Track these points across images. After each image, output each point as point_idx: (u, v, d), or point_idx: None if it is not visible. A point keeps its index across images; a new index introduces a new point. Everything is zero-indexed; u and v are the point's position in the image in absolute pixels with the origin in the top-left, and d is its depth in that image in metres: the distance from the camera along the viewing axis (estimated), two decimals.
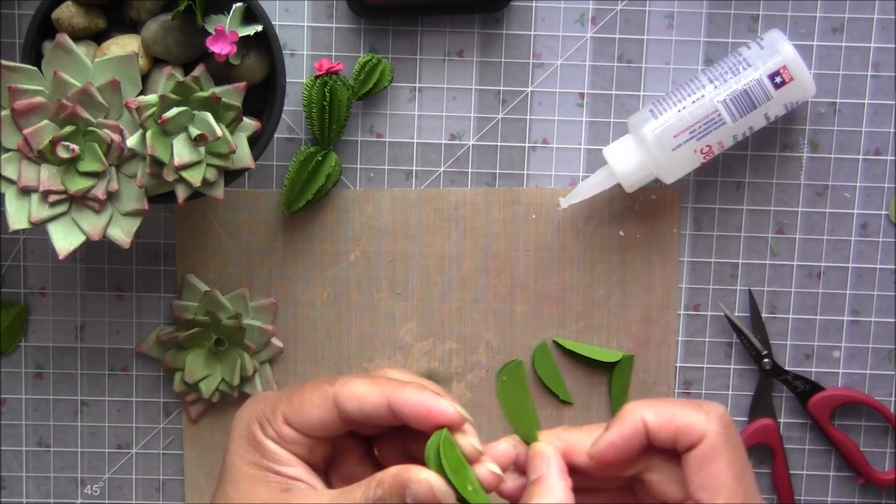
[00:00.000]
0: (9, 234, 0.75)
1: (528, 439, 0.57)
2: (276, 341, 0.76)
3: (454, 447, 0.52)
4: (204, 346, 0.75)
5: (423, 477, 0.50)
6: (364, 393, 0.52)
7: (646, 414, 0.54)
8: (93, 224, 0.65)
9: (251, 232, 0.76)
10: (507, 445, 0.55)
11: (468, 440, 0.53)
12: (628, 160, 0.72)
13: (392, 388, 0.53)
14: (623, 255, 0.77)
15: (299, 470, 0.54)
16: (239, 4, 0.65)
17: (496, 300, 0.77)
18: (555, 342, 0.78)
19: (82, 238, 0.65)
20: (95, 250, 0.76)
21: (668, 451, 0.55)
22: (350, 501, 0.52)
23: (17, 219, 0.64)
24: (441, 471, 0.51)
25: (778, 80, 0.70)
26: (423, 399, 0.52)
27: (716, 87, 0.71)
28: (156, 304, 0.77)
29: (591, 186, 0.73)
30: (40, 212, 0.64)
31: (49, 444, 0.78)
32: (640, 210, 0.77)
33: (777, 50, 0.71)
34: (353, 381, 0.53)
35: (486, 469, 0.53)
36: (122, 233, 0.65)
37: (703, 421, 0.54)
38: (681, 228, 0.77)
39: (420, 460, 0.53)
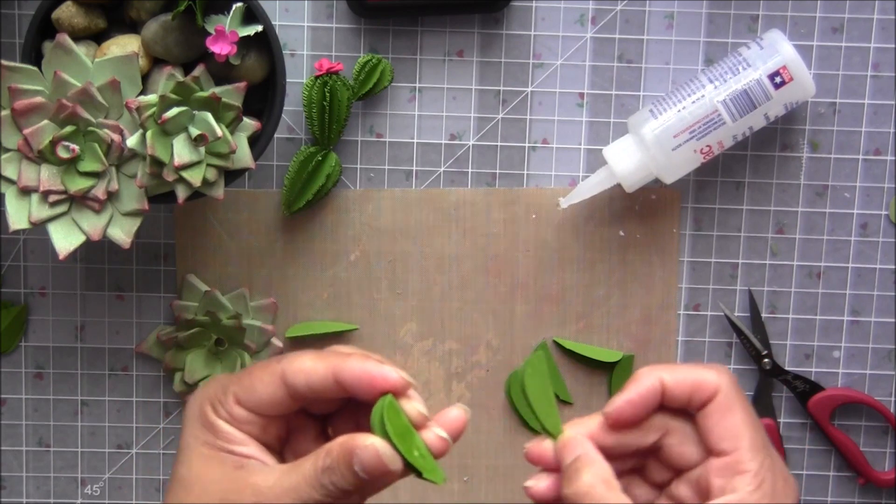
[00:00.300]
0: (9, 234, 0.76)
1: (553, 432, 0.56)
2: (276, 341, 0.76)
3: (399, 413, 0.52)
4: (204, 346, 0.75)
5: (370, 443, 0.51)
6: (310, 367, 0.53)
7: (661, 373, 0.55)
8: (93, 224, 0.65)
9: (251, 232, 0.76)
10: (458, 411, 0.55)
11: (413, 405, 0.53)
12: (628, 160, 0.72)
13: (337, 359, 0.53)
14: (623, 255, 0.77)
15: (252, 448, 0.54)
16: (239, 4, 0.65)
17: (496, 300, 0.77)
18: (555, 342, 0.78)
19: (82, 238, 0.65)
20: (95, 250, 0.76)
21: (681, 413, 0.56)
22: (299, 472, 0.52)
23: (17, 219, 0.64)
24: (387, 437, 0.51)
25: (778, 80, 0.70)
26: (366, 367, 0.53)
27: (716, 87, 0.71)
28: (156, 304, 0.77)
29: (591, 186, 0.73)
30: (40, 212, 0.64)
31: (49, 444, 0.78)
32: (640, 210, 0.77)
33: (777, 50, 0.71)
34: (300, 356, 0.54)
35: (434, 434, 0.53)
36: (122, 233, 0.65)
37: (715, 377, 0.55)
38: (681, 228, 0.77)
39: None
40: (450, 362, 0.78)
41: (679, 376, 0.55)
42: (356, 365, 0.53)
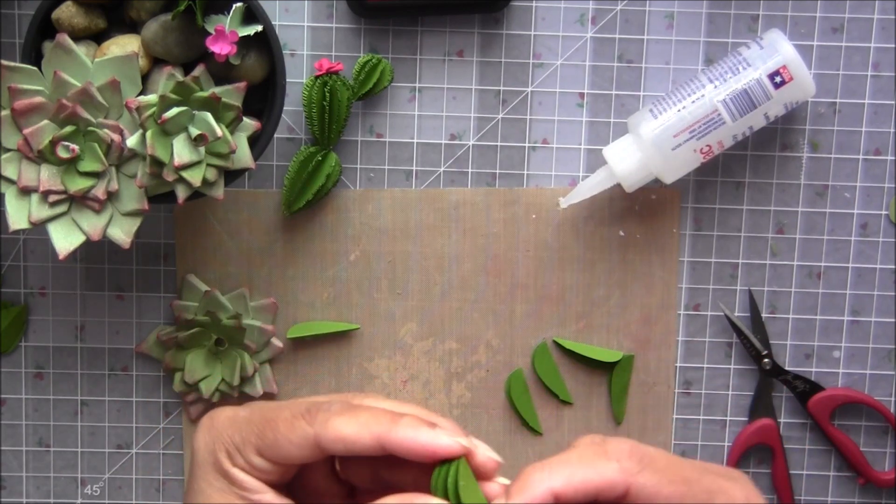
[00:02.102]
0: (9, 234, 0.75)
1: None
2: (276, 341, 0.76)
3: (472, 480, 0.48)
4: (204, 346, 0.75)
5: None
6: (352, 435, 0.48)
7: (552, 483, 0.47)
8: (93, 224, 0.65)
9: (251, 232, 0.76)
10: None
11: (487, 456, 0.49)
12: (628, 160, 0.72)
13: (383, 427, 0.48)
14: (623, 255, 0.77)
15: (270, 496, 0.51)
16: (239, 4, 0.65)
17: (496, 300, 0.77)
18: (555, 342, 0.78)
19: (82, 238, 0.65)
20: (95, 250, 0.76)
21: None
22: None
23: (17, 219, 0.64)
24: (462, 500, 0.48)
25: (778, 79, 0.70)
26: (421, 438, 0.48)
27: (716, 87, 0.71)
28: (156, 304, 0.77)
29: (591, 186, 0.73)
30: (40, 212, 0.64)
31: (49, 444, 0.78)
32: (640, 210, 0.77)
33: (777, 50, 0.71)
34: (336, 420, 0.49)
35: (498, 485, 0.49)
36: (122, 233, 0.65)
37: (617, 474, 0.47)
38: (681, 228, 0.77)
39: (390, 484, 0.51)
40: (450, 362, 0.78)
41: (575, 481, 0.47)
42: (410, 436, 0.48)
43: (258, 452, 0.50)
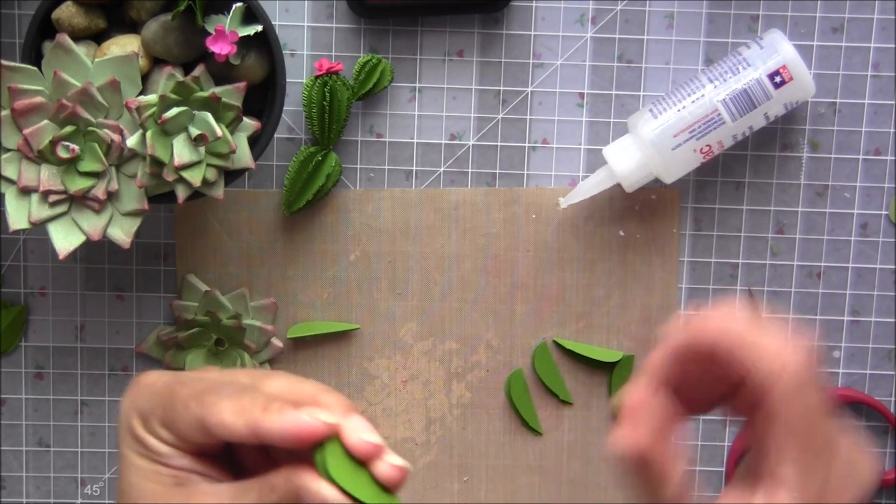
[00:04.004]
0: (9, 234, 0.76)
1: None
2: (276, 341, 0.76)
3: (342, 458, 0.47)
4: (204, 346, 0.75)
5: (315, 489, 0.47)
6: (230, 423, 0.48)
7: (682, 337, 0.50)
8: (93, 224, 0.65)
9: (251, 232, 0.76)
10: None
11: (359, 437, 0.48)
12: (628, 160, 0.72)
13: (256, 414, 0.47)
14: (623, 255, 0.77)
15: (190, 461, 0.50)
16: (239, 4, 0.65)
17: (496, 300, 0.77)
18: (555, 342, 0.78)
19: (82, 238, 0.65)
20: (95, 250, 0.76)
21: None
22: (244, 502, 0.49)
23: (17, 219, 0.64)
24: (334, 479, 0.47)
25: (778, 79, 0.70)
26: (286, 423, 0.47)
27: (715, 87, 0.71)
28: (156, 304, 0.77)
29: (591, 186, 0.73)
30: (40, 212, 0.64)
31: (49, 444, 0.78)
32: (640, 210, 0.77)
33: (777, 49, 0.71)
34: (219, 406, 0.48)
35: (388, 465, 0.48)
36: (122, 233, 0.65)
37: (770, 371, 0.48)
38: (681, 228, 0.77)
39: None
40: (450, 362, 0.78)
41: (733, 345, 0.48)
42: (276, 423, 0.47)
43: (162, 425, 0.50)
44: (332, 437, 0.47)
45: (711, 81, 0.71)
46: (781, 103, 0.71)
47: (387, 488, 0.48)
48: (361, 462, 0.48)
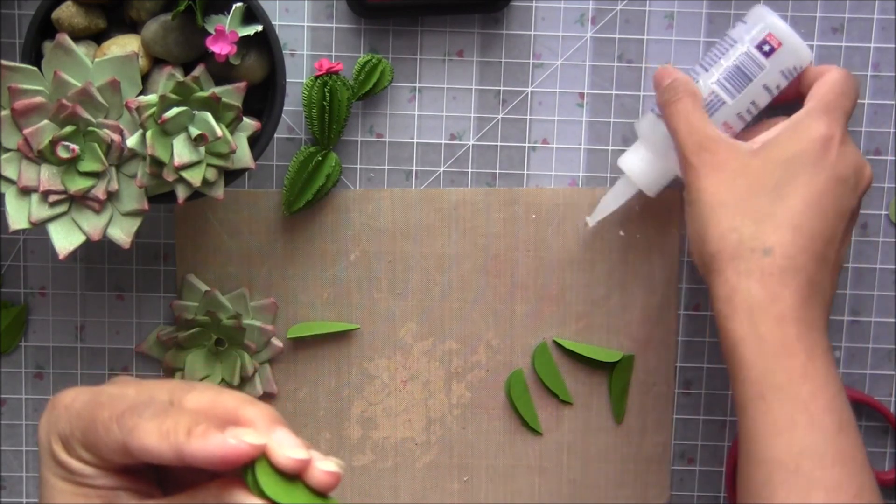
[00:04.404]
0: (9, 234, 0.76)
1: None
2: (276, 341, 0.76)
3: (271, 475, 0.47)
4: (204, 346, 0.75)
5: None
6: (154, 447, 0.47)
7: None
8: (93, 224, 0.65)
9: (251, 232, 0.76)
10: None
11: (285, 455, 0.47)
12: (645, 166, 0.72)
13: (180, 438, 0.46)
14: (623, 255, 0.77)
15: (115, 479, 0.49)
16: (239, 4, 0.65)
17: (496, 300, 0.77)
18: (555, 342, 0.78)
19: (82, 238, 0.65)
20: (95, 250, 0.76)
21: None
22: None
23: (17, 219, 0.64)
24: (265, 493, 0.46)
25: (766, 48, 0.70)
26: (210, 447, 0.46)
27: (708, 72, 0.71)
28: (156, 304, 0.77)
29: (614, 199, 0.73)
30: (40, 212, 0.64)
31: None
32: (640, 210, 0.77)
33: (761, 20, 0.70)
34: (141, 429, 0.47)
35: (319, 472, 0.47)
36: (122, 233, 0.65)
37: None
38: (681, 228, 0.77)
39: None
40: (450, 362, 0.78)
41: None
42: (200, 447, 0.46)
43: (84, 448, 0.49)
44: (256, 466, 0.47)
45: (706, 69, 0.71)
46: (777, 71, 0.70)
47: (321, 492, 0.47)
48: (292, 475, 0.47)
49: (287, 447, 0.47)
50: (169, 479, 0.52)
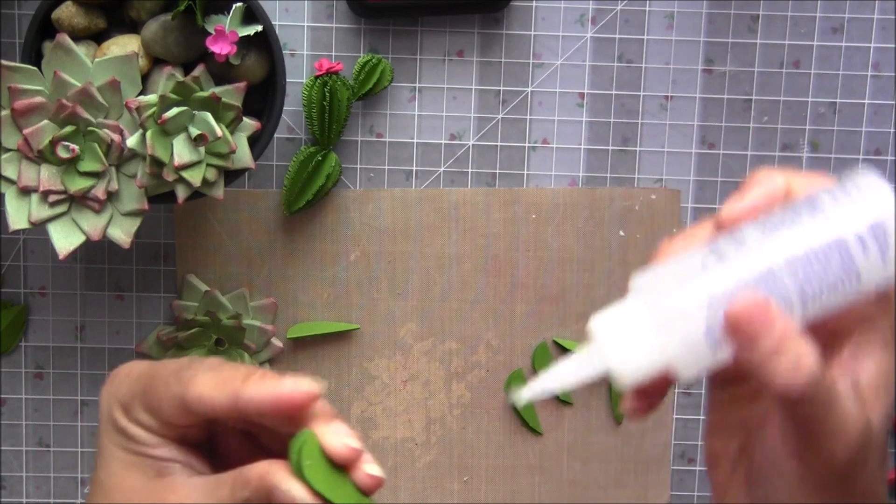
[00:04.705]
0: (9, 234, 0.76)
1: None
2: (276, 341, 0.76)
3: (319, 456, 0.46)
4: (204, 346, 0.75)
5: (286, 488, 0.46)
6: (209, 395, 0.47)
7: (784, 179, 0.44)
8: (93, 224, 0.65)
9: (251, 232, 0.76)
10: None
11: (337, 439, 0.46)
12: (634, 341, 0.43)
13: (237, 384, 0.47)
14: (623, 255, 0.77)
15: (172, 450, 0.49)
16: (239, 4, 0.65)
17: (496, 300, 0.77)
18: (555, 342, 0.78)
19: (82, 238, 0.65)
20: (95, 250, 0.76)
21: None
22: (217, 497, 0.48)
23: (17, 219, 0.64)
24: (307, 479, 0.46)
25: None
26: (265, 390, 0.46)
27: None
28: (156, 304, 0.77)
29: (568, 377, 0.44)
30: (40, 212, 0.64)
31: (49, 444, 0.78)
32: (640, 210, 0.77)
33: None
34: (198, 378, 0.47)
35: (363, 473, 0.47)
36: (122, 233, 0.65)
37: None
38: (681, 228, 0.77)
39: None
40: (450, 362, 0.78)
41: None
42: (256, 391, 0.46)
43: (145, 409, 0.49)
44: (310, 436, 0.47)
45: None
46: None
47: (361, 493, 0.47)
48: (338, 466, 0.47)
49: (344, 434, 0.47)
50: (219, 458, 0.53)
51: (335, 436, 0.47)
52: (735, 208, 0.44)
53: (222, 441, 0.52)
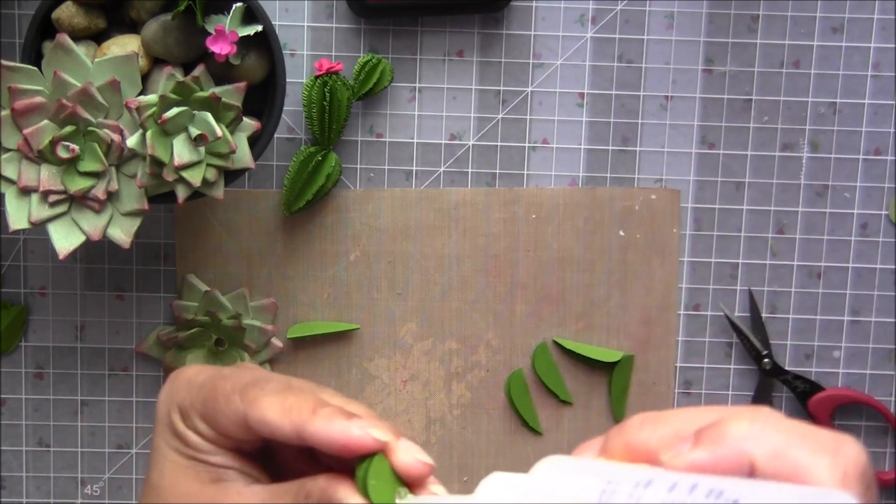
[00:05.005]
0: (9, 234, 0.75)
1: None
2: (276, 341, 0.76)
3: (387, 477, 0.45)
4: (204, 346, 0.75)
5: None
6: (274, 421, 0.46)
7: (754, 450, 0.39)
8: (93, 224, 0.65)
9: (251, 232, 0.76)
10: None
11: (414, 457, 0.45)
12: None
13: (303, 416, 0.46)
14: (623, 255, 0.77)
15: (228, 458, 0.49)
16: (239, 4, 0.65)
17: (496, 300, 0.77)
18: (555, 342, 0.78)
19: (82, 238, 0.65)
20: (95, 250, 0.76)
21: None
22: None
23: (17, 219, 0.64)
24: (371, 499, 0.45)
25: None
26: (333, 430, 0.45)
27: None
28: (156, 304, 0.77)
29: None
30: (40, 212, 0.64)
31: (49, 444, 0.78)
32: (640, 210, 0.77)
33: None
34: (263, 401, 0.47)
35: (430, 492, 0.46)
36: (122, 233, 0.65)
37: (828, 475, 0.38)
38: (681, 228, 0.77)
39: None
40: (450, 362, 0.78)
41: (778, 464, 0.39)
42: (322, 427, 0.45)
43: (203, 419, 0.49)
44: (378, 454, 0.46)
45: None
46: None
47: None
48: (406, 483, 0.46)
49: (415, 450, 0.46)
50: (275, 467, 0.52)
51: (407, 452, 0.46)
52: (646, 442, 0.41)
53: (279, 450, 0.52)
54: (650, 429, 0.42)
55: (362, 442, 0.45)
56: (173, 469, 0.50)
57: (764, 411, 0.40)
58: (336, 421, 0.46)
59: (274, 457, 0.52)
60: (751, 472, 0.39)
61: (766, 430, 0.39)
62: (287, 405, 0.47)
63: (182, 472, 0.49)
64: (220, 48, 0.64)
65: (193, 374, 0.50)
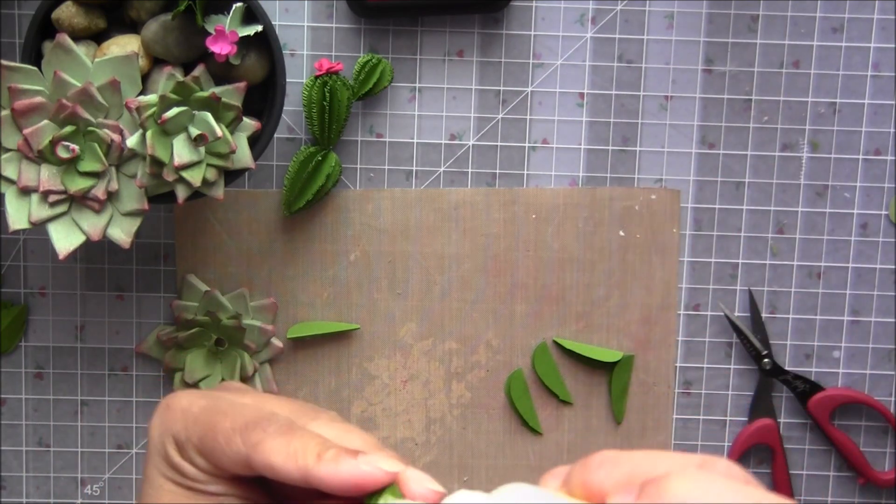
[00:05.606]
0: (9, 234, 0.75)
1: None
2: (276, 341, 0.76)
3: None
4: (204, 346, 0.75)
5: None
6: (279, 465, 0.46)
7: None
8: (93, 224, 0.65)
9: (251, 232, 0.76)
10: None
11: (424, 486, 0.45)
12: None
13: (309, 461, 0.45)
14: (623, 255, 0.77)
15: (226, 486, 0.49)
16: (239, 4, 0.65)
17: (496, 300, 0.77)
18: (555, 342, 0.78)
19: (82, 238, 0.65)
20: (95, 250, 0.76)
21: None
22: None
23: (17, 219, 0.64)
24: None
25: None
26: (341, 471, 0.45)
27: None
28: (156, 304, 0.77)
29: None
30: (40, 212, 0.64)
31: (49, 444, 0.78)
32: (640, 210, 0.77)
33: None
34: (267, 445, 0.46)
35: None
36: (122, 233, 0.65)
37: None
38: (681, 228, 0.77)
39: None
40: (450, 362, 0.78)
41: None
42: (330, 471, 0.45)
43: (201, 455, 0.48)
44: (390, 491, 0.45)
45: None
46: None
47: None
48: None
49: (426, 480, 0.46)
50: (277, 490, 0.51)
51: (418, 483, 0.46)
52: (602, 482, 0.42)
53: (279, 482, 0.50)
54: (607, 470, 0.42)
55: (374, 478, 0.45)
56: (169, 496, 0.49)
57: (717, 467, 0.40)
58: (343, 461, 0.45)
59: (273, 482, 0.51)
60: None
61: (708, 493, 0.39)
62: (292, 450, 0.46)
63: (177, 499, 0.49)
64: (220, 48, 0.64)
65: (188, 404, 0.50)
